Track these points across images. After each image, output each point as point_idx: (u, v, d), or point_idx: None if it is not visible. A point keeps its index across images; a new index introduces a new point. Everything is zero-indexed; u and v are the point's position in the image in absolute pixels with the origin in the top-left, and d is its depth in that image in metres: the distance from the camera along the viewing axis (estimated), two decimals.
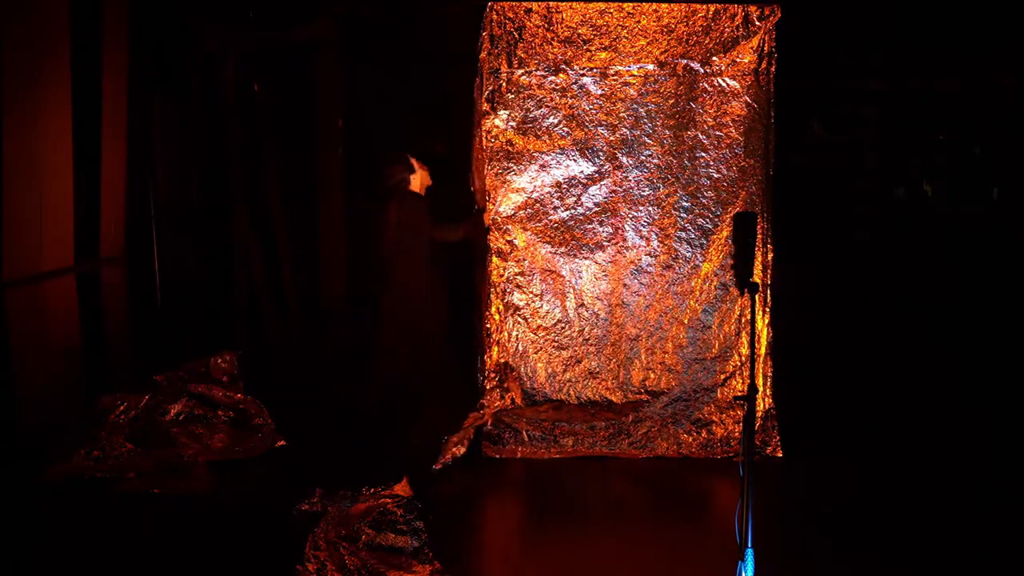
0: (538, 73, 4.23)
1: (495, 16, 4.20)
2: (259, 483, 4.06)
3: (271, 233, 7.57)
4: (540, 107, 4.25)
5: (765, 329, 4.32)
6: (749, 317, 4.29)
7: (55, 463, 4.00)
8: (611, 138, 4.25)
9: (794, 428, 4.41)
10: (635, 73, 4.23)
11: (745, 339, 4.33)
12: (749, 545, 2.40)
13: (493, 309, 4.37)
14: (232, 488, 3.96)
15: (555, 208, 4.31)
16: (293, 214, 7.63)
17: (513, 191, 4.30)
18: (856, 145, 7.00)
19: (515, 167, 4.28)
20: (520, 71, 4.23)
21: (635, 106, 4.24)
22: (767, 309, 4.32)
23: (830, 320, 6.27)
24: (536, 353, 4.36)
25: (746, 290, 2.58)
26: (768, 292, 4.33)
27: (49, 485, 3.88)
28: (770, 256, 4.34)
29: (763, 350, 4.33)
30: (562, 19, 4.20)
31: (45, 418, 4.36)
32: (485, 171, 4.31)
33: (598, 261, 4.33)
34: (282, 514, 3.55)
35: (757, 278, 4.25)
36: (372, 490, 3.64)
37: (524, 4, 4.19)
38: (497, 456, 4.32)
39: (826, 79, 6.71)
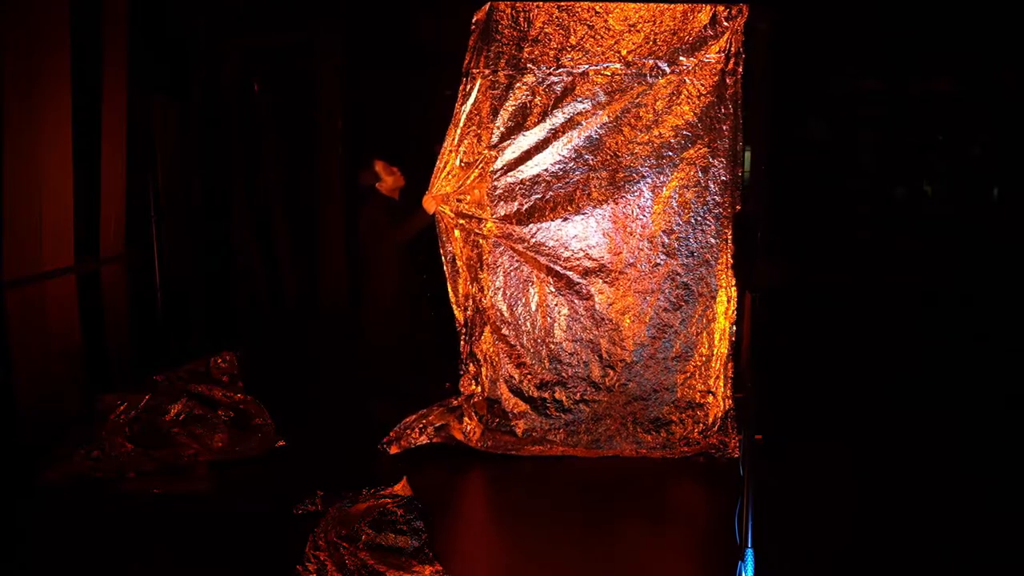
0: (505, 73, 4.24)
1: (476, 17, 4.22)
2: (259, 483, 4.06)
3: (271, 233, 7.58)
4: (508, 106, 4.26)
5: (728, 328, 4.32)
6: (736, 318, 4.31)
7: (55, 463, 4.00)
8: (576, 137, 4.26)
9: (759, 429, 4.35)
10: (602, 72, 4.23)
11: (706, 339, 4.34)
12: (749, 545, 2.40)
13: (454, 300, 4.40)
14: (232, 488, 3.96)
15: (519, 205, 4.31)
16: (293, 214, 7.64)
17: (478, 189, 4.31)
18: (853, 145, 7.01)
19: (481, 165, 4.28)
20: (488, 71, 4.24)
21: (601, 105, 4.24)
22: (733, 310, 4.31)
23: (816, 321, 6.26)
24: (494, 345, 4.38)
25: (747, 291, 2.58)
26: (736, 291, 4.31)
27: (49, 485, 3.88)
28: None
29: (724, 348, 4.34)
30: (529, 19, 4.21)
31: (45, 418, 4.36)
32: (449, 171, 4.31)
33: (561, 258, 4.34)
34: (282, 514, 3.55)
35: (732, 278, 4.26)
36: (372, 490, 3.64)
37: (501, 4, 4.19)
38: (452, 445, 4.35)
39: (823, 79, 6.71)
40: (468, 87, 4.24)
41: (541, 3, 4.19)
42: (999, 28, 6.02)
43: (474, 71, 4.24)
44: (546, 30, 4.21)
